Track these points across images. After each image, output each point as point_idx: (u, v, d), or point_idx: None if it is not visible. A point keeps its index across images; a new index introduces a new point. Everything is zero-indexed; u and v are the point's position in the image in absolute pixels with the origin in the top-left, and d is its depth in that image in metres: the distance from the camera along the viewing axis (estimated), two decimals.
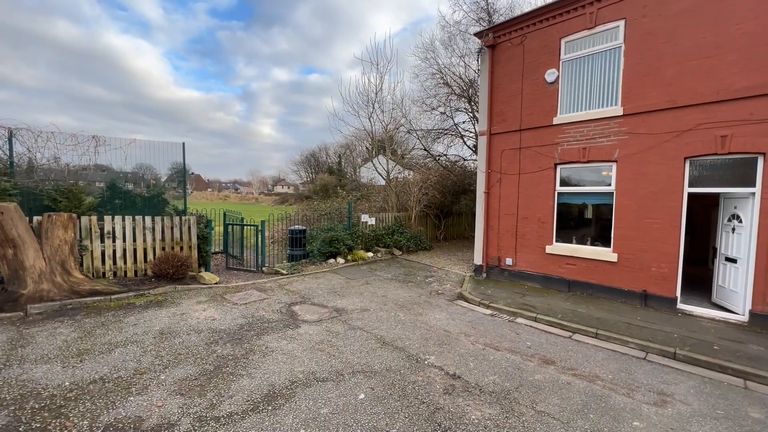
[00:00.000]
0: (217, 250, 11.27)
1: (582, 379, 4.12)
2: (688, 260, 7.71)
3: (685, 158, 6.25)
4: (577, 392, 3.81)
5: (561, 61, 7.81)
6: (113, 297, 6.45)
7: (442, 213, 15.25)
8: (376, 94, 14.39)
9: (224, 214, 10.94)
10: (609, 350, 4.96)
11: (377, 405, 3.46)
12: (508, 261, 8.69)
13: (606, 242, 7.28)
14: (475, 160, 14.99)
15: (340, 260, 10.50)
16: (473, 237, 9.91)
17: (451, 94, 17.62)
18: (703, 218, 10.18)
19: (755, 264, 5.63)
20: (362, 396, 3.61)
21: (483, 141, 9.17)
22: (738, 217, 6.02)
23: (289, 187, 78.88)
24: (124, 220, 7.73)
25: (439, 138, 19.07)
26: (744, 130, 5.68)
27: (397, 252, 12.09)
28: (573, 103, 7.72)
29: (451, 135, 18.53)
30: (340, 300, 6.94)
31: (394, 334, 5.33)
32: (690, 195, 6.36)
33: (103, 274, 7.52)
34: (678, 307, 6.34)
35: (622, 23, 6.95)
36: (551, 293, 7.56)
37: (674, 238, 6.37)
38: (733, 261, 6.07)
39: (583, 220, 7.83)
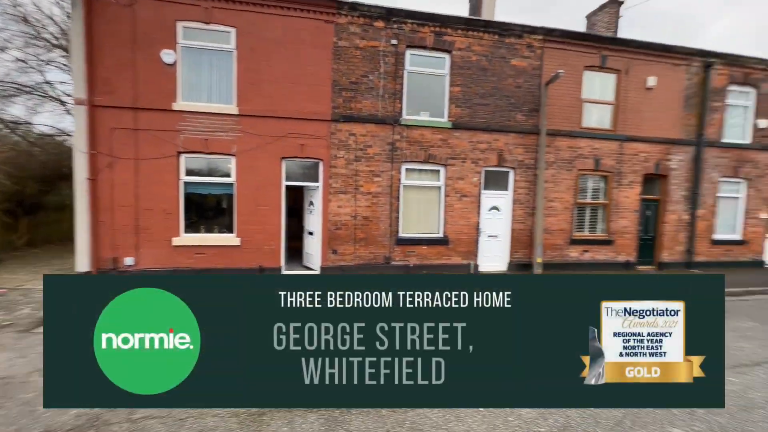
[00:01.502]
0: None
1: None
2: (295, 237, 10.07)
3: (282, 158, 8.03)
4: None
5: (179, 45, 7.49)
6: None
7: (24, 208, 10.48)
8: None
9: None
10: None
11: None
12: (129, 261, 7.40)
13: (231, 229, 7.98)
14: None
15: None
16: None
17: (36, 38, 12.34)
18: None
19: (322, 234, 8.32)
20: None
21: (82, 112, 7.11)
22: (312, 203, 8.61)
23: None
24: None
25: (14, 96, 12.82)
26: (313, 142, 8.13)
27: None
28: (195, 92, 7.69)
29: (40, 96, 13.06)
30: None
31: None
32: (288, 187, 8.29)
33: None
34: (283, 273, 8.17)
35: (234, 31, 7.69)
36: None
37: (278, 220, 8.08)
38: (311, 234, 8.66)
39: (212, 209, 8.15)
